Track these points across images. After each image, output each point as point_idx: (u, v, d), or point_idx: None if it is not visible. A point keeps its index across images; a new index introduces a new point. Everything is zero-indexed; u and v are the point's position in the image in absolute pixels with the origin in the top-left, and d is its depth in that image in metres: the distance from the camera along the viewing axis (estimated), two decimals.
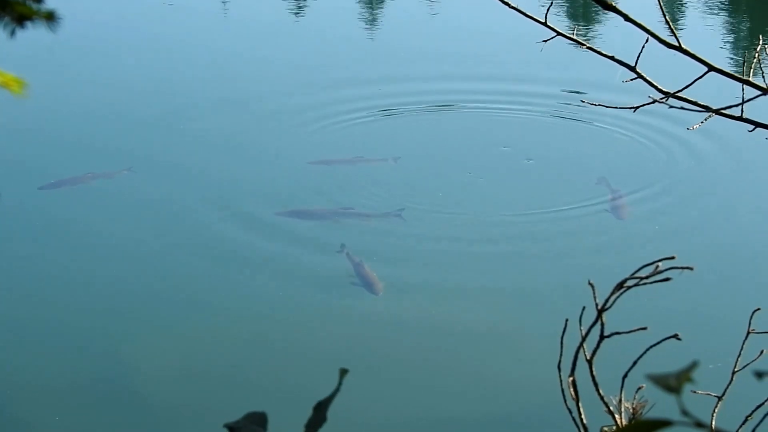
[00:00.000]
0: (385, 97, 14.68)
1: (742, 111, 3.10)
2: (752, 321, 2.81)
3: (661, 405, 2.04)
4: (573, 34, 3.27)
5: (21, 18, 1.13)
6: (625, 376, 2.40)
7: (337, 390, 1.33)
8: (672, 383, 0.96)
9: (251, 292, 9.45)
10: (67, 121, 13.25)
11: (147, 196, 11.18)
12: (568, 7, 19.51)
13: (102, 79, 14.65)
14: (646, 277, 2.22)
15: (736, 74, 3.08)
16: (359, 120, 14.03)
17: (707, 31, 17.46)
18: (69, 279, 9.71)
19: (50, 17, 1.15)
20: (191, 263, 9.90)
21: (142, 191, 11.27)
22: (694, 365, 0.99)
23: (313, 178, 11.58)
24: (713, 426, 2.70)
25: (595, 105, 3.76)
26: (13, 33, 1.15)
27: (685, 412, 0.95)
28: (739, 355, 2.81)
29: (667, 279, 2.18)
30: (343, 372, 1.33)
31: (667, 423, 0.95)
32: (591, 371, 2.35)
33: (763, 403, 2.72)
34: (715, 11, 18.80)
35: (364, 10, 18.91)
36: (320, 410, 1.32)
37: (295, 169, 11.84)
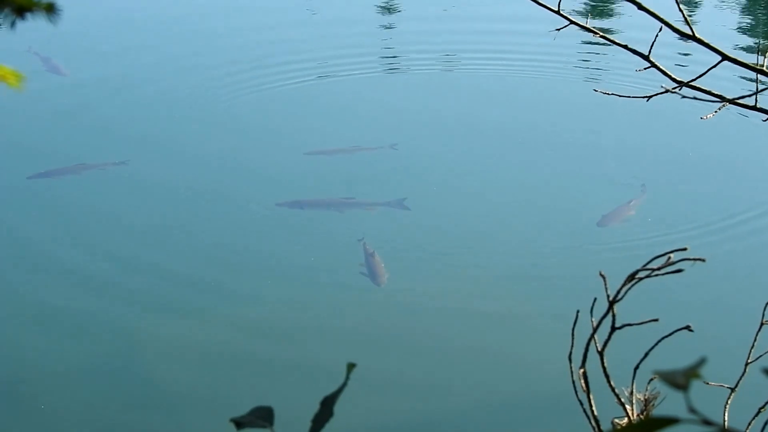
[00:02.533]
0: (384, 55, 14.76)
1: (756, 100, 3.08)
2: (766, 312, 2.80)
3: (673, 397, 2.02)
4: (586, 22, 3.25)
5: (21, 9, 1.12)
6: (637, 367, 2.39)
7: (344, 385, 1.33)
8: (680, 380, 0.95)
9: (259, 280, 9.46)
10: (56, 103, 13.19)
11: (147, 182, 11.16)
12: None
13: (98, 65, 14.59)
14: (658, 269, 2.21)
15: (751, 64, 3.06)
16: (364, 73, 14.10)
17: (721, 20, 17.39)
18: (79, 261, 9.73)
19: (50, 9, 1.14)
20: (195, 249, 9.92)
21: (141, 177, 11.24)
22: (702, 362, 0.97)
23: (312, 169, 11.53)
24: (726, 417, 2.69)
25: (608, 94, 3.74)
26: (13, 24, 1.15)
27: (692, 410, 0.93)
28: (752, 347, 2.80)
29: (679, 270, 2.16)
30: (351, 366, 1.32)
31: (674, 421, 0.93)
32: (602, 363, 2.34)
33: None
34: (730, 0, 18.71)
35: None
36: (327, 405, 1.32)
37: (292, 159, 11.78)
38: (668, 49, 13.93)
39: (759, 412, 2.73)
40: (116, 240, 10.10)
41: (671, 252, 2.20)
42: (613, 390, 2.39)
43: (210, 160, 11.68)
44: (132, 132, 12.37)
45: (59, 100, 13.25)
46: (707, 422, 0.93)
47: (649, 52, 3.13)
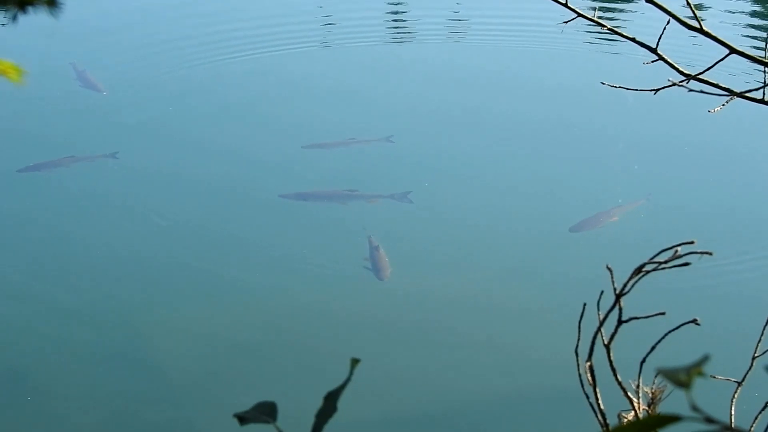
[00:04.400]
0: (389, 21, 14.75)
1: (764, 94, 3.06)
2: None
3: (680, 391, 2.01)
4: (594, 15, 3.24)
5: (22, 3, 1.12)
6: (644, 361, 2.38)
7: (348, 380, 1.33)
8: (682, 378, 0.95)
9: (262, 272, 9.46)
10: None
11: (153, 173, 11.13)
12: None
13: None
14: (665, 262, 2.20)
15: (759, 57, 3.05)
16: (368, 43, 14.10)
17: (730, 13, 17.32)
18: (89, 251, 9.74)
19: (51, 2, 1.14)
20: (198, 240, 9.93)
21: (145, 170, 11.21)
22: (705, 359, 0.97)
23: (311, 160, 11.48)
24: (732, 411, 2.68)
25: (615, 87, 3.72)
26: (15, 18, 1.15)
27: (695, 408, 0.93)
28: (759, 341, 2.79)
29: (686, 264, 2.16)
30: (354, 362, 1.32)
31: (675, 419, 0.93)
32: (609, 356, 2.34)
33: None
34: None
35: None
36: (331, 400, 1.32)
37: (291, 149, 11.71)
38: (678, 41, 13.88)
39: (766, 406, 2.72)
40: (118, 232, 10.10)
41: (678, 245, 2.20)
42: (619, 383, 2.39)
43: (207, 150, 11.62)
44: (129, 122, 12.27)
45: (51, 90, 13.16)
46: (710, 420, 0.93)
47: (657, 44, 3.12)
